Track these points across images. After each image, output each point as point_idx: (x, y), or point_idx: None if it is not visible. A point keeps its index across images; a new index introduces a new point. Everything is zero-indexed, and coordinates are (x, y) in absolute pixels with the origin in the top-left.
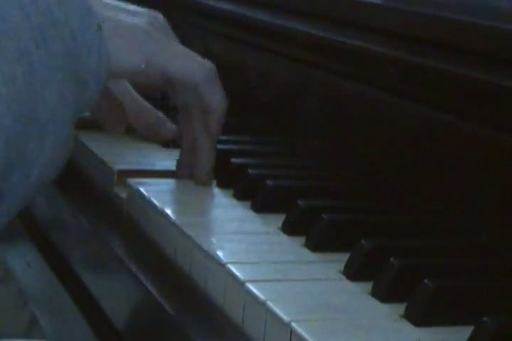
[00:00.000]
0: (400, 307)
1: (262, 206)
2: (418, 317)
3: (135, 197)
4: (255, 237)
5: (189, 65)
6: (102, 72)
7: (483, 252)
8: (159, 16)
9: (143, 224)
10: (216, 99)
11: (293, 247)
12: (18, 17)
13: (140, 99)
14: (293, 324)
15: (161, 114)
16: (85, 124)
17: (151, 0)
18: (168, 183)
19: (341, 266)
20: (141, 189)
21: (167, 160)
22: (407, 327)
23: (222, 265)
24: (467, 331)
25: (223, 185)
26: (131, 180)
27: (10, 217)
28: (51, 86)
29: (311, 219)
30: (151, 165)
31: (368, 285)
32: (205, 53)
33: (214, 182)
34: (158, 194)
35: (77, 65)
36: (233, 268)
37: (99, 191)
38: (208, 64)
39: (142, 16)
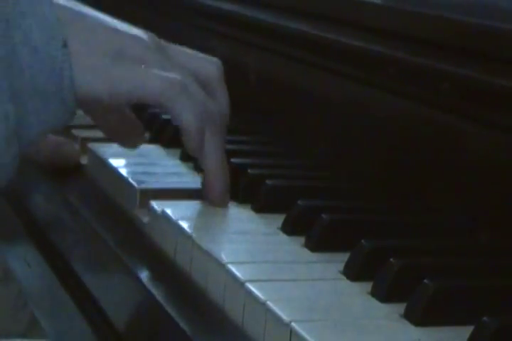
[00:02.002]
0: (400, 307)
1: (261, 206)
2: (418, 317)
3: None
4: (255, 237)
5: (156, 85)
6: (66, 94)
7: (483, 252)
8: (140, 36)
9: (142, 223)
10: (185, 118)
11: (293, 247)
12: None
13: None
14: (293, 324)
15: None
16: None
17: (151, 1)
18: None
19: (341, 266)
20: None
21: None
22: (407, 327)
23: (222, 265)
24: (467, 331)
25: None
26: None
27: None
28: None
29: (310, 219)
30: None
31: (367, 285)
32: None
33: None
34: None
35: (20, 80)
36: (233, 268)
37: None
38: (171, 79)
39: (115, 35)
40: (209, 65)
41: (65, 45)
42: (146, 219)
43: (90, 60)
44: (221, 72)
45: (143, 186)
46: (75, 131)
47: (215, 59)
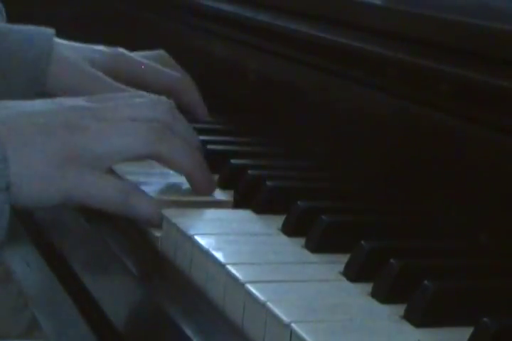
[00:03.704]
0: (400, 308)
1: (262, 207)
2: (418, 318)
3: None
4: (255, 238)
5: (107, 193)
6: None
7: (483, 253)
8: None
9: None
10: (184, 165)
11: (293, 248)
12: None
13: None
14: (293, 325)
15: None
16: None
17: (152, 2)
18: None
19: (341, 267)
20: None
21: None
22: (407, 328)
23: (222, 266)
24: (467, 332)
25: (223, 186)
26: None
27: None
28: None
29: (310, 220)
30: None
31: (368, 286)
32: (205, 54)
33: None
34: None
35: None
36: (233, 269)
37: None
38: (123, 186)
39: (56, 134)
40: (158, 108)
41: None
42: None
43: (36, 171)
44: (170, 110)
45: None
46: None
47: (162, 99)
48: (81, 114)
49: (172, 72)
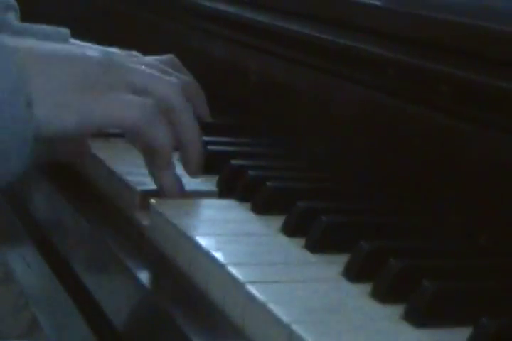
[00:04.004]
0: (400, 309)
1: (262, 207)
2: (418, 319)
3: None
4: (255, 238)
5: (124, 112)
6: (28, 139)
7: (483, 253)
8: (110, 55)
9: (142, 225)
10: (159, 137)
11: (293, 249)
12: None
13: None
14: (293, 325)
15: None
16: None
17: (152, 2)
18: None
19: (341, 268)
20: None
21: None
22: (407, 328)
23: (222, 266)
24: (467, 332)
25: (224, 186)
26: None
27: None
28: None
29: (310, 220)
30: None
31: (367, 287)
32: (205, 54)
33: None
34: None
35: None
36: (233, 270)
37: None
38: (144, 104)
39: (81, 62)
40: (168, 88)
41: (29, 104)
42: (146, 222)
43: (55, 98)
44: (180, 93)
45: (143, 188)
46: None
47: (173, 80)
48: (103, 52)
49: (183, 76)
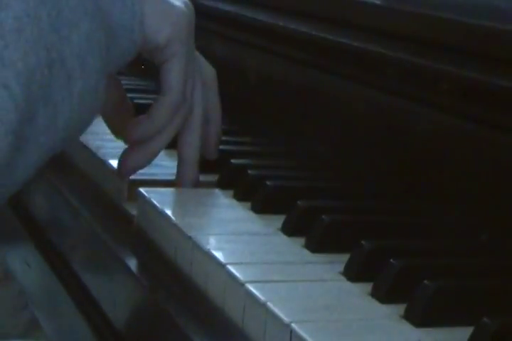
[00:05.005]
0: (400, 308)
1: (262, 207)
2: (418, 318)
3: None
4: (255, 238)
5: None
6: (136, 29)
7: (483, 252)
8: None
9: (144, 225)
10: (175, 78)
11: (293, 248)
12: None
13: None
14: (293, 325)
15: None
16: None
17: None
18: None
19: (341, 267)
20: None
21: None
22: (407, 327)
23: (222, 265)
24: (467, 332)
25: (223, 185)
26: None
27: (34, 169)
28: (79, 30)
29: (310, 220)
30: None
31: (368, 286)
32: (205, 54)
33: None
34: (158, 195)
35: (107, 14)
36: (233, 269)
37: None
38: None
39: None
40: (210, 68)
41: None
42: (134, 212)
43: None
44: (216, 78)
45: (132, 177)
46: None
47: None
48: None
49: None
